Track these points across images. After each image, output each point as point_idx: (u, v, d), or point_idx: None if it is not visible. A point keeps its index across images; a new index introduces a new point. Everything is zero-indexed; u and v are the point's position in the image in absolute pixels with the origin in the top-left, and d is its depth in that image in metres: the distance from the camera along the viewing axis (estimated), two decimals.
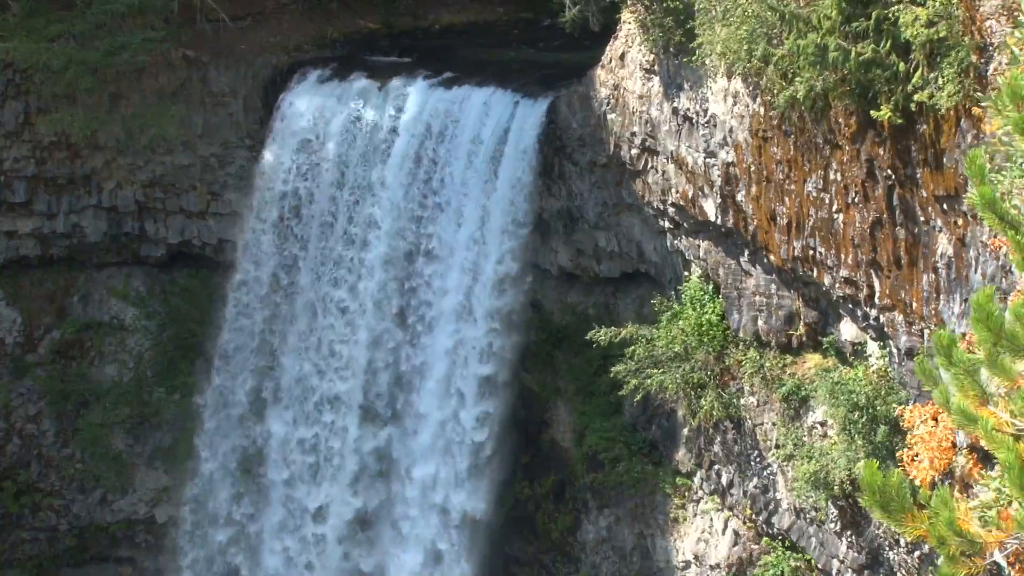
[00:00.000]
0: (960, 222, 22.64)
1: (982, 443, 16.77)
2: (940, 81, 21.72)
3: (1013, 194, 15.37)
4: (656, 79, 30.96)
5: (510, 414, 36.18)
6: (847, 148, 25.04)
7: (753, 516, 31.02)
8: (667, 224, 32.27)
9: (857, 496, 27.71)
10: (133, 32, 36.58)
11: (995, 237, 19.49)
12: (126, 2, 36.33)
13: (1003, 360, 13.21)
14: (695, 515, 32.96)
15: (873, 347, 27.54)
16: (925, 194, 23.47)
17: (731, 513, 31.89)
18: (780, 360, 29.83)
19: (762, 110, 27.15)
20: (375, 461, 36.77)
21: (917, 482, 16.05)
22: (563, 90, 34.25)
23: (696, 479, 32.86)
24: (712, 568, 32.30)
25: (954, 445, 18.46)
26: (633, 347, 31.50)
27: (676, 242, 32.26)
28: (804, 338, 29.40)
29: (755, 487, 30.72)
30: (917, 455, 18.33)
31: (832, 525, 28.73)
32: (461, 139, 34.54)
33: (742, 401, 30.67)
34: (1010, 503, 14.33)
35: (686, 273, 32.27)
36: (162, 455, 40.43)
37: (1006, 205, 13.38)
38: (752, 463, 30.78)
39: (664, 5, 29.66)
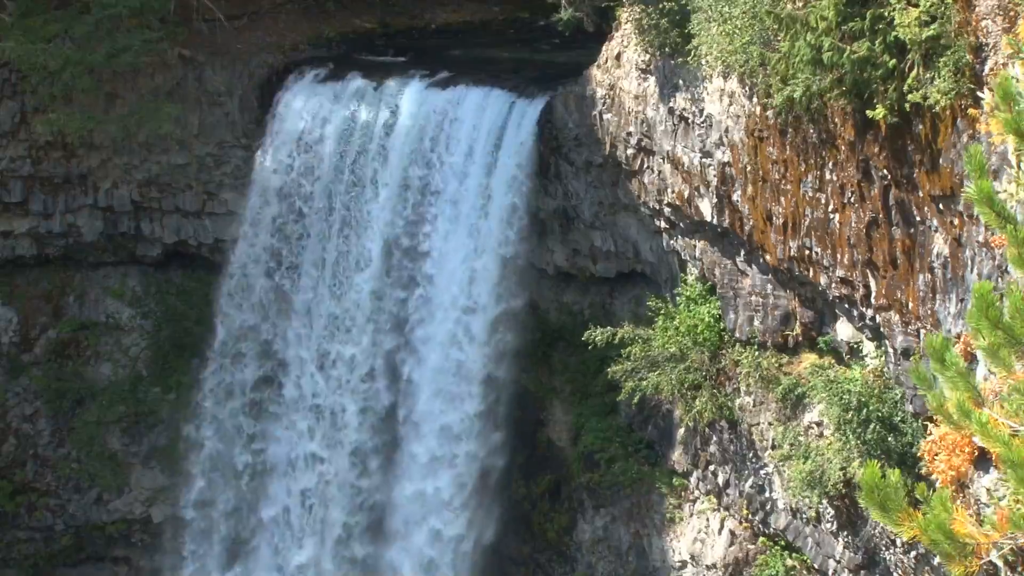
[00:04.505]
0: (956, 222, 22.63)
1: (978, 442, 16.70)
2: (936, 80, 21.72)
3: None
4: (652, 79, 30.96)
5: (505, 413, 36.22)
6: (843, 148, 25.03)
7: (749, 516, 31.02)
8: (663, 224, 32.27)
9: (853, 496, 27.75)
10: (131, 33, 36.47)
11: (993, 235, 19.46)
12: (127, 4, 36.22)
13: (1003, 352, 13.20)
14: (691, 515, 32.95)
15: (869, 347, 27.53)
16: (921, 194, 23.46)
17: (727, 513, 31.88)
18: (776, 360, 29.81)
19: (758, 110, 27.15)
20: (369, 459, 36.85)
21: (939, 483, 16.04)
22: (559, 90, 34.22)
23: (692, 479, 32.86)
24: (708, 568, 32.30)
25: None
26: (629, 347, 31.49)
27: (672, 242, 32.26)
28: (800, 338, 29.38)
29: (751, 487, 30.71)
30: (937, 454, 18.34)
31: (828, 525, 28.73)
32: (457, 139, 34.53)
33: (738, 401, 30.67)
34: (1001, 498, 14.32)
35: (682, 273, 32.27)
36: (158, 454, 40.38)
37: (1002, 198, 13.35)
38: (748, 463, 30.78)
39: (660, 6, 29.66)
